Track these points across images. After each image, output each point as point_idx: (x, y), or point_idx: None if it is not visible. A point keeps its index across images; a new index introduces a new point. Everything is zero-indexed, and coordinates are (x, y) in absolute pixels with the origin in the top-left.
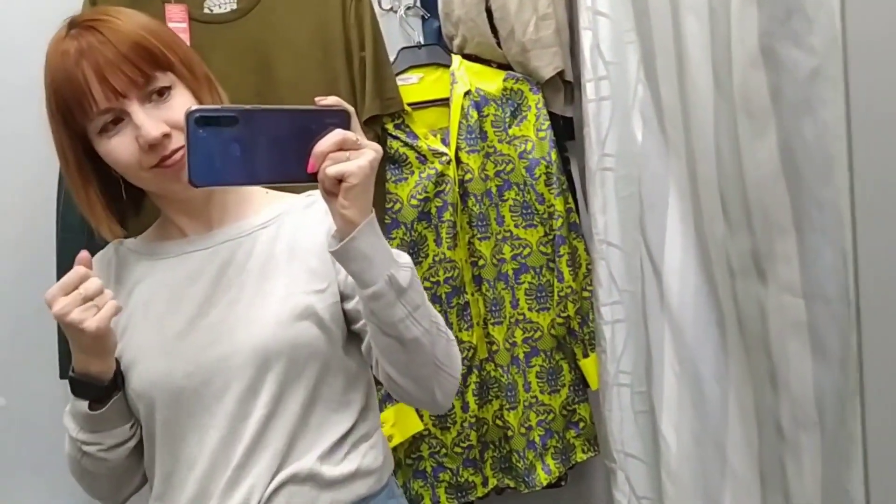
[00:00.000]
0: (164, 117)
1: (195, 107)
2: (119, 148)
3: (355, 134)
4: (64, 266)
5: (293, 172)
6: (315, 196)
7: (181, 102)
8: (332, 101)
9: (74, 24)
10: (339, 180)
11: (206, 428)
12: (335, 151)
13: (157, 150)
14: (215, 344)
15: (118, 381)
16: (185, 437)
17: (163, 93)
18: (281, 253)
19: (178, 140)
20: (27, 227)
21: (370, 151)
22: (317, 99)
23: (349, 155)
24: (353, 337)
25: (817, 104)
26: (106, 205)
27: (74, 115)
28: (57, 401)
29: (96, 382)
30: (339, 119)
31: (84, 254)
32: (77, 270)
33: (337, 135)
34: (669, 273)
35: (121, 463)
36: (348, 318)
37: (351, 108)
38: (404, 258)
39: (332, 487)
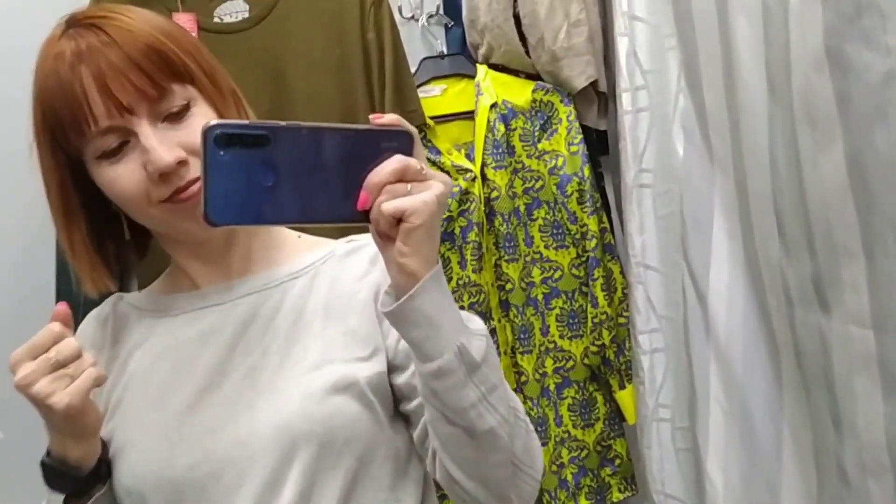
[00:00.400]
0: (179, 140)
1: (215, 121)
2: (123, 178)
3: (419, 162)
4: (62, 298)
5: (338, 209)
6: (359, 241)
7: (202, 123)
8: (390, 120)
9: (73, 22)
10: (398, 220)
11: None
12: (393, 183)
13: (170, 180)
14: (228, 425)
15: (103, 470)
16: None
17: (179, 110)
18: (314, 310)
19: (197, 169)
20: (26, 254)
21: (438, 184)
22: (372, 117)
23: (411, 188)
24: (401, 417)
25: (892, 111)
26: (94, 251)
27: (67, 133)
28: None
29: (74, 472)
30: (399, 142)
31: (61, 307)
32: (50, 329)
33: (396, 162)
34: (715, 298)
35: None
36: (398, 396)
37: (414, 130)
38: (476, 323)
39: None
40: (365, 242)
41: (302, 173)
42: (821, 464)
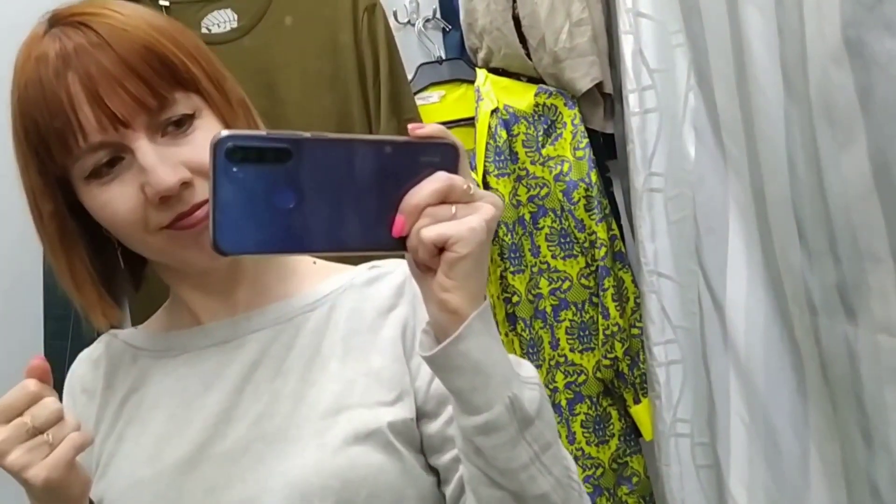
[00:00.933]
0: (183, 157)
1: (226, 132)
2: (117, 201)
3: (465, 180)
4: (50, 326)
5: (370, 236)
6: (382, 267)
7: (207, 137)
8: (432, 131)
9: (57, 19)
10: (440, 248)
11: None
12: (435, 205)
13: (172, 204)
14: (233, 482)
15: None
16: None
17: (182, 122)
18: (331, 348)
19: (203, 191)
20: (15, 269)
21: (487, 206)
22: (411, 127)
23: (455, 210)
24: (431, 470)
25: None
26: (98, 279)
27: (52, 150)
28: None
29: None
30: (442, 157)
31: (37, 361)
32: (25, 388)
33: (439, 180)
34: (733, 307)
35: None
36: (427, 447)
37: (459, 143)
38: (527, 369)
39: None
40: (388, 270)
41: (328, 194)
42: (850, 481)
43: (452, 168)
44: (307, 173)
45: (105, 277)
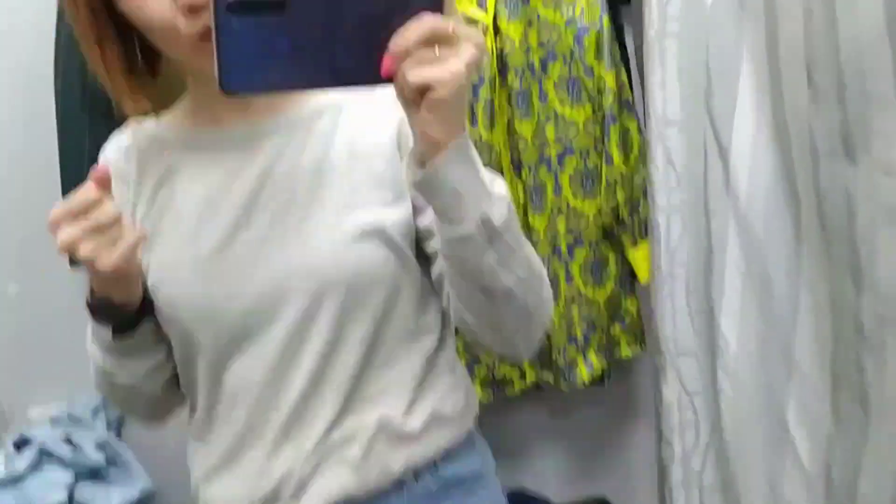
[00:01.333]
0: None
1: None
2: (150, 4)
3: (450, 20)
4: (66, 148)
5: (361, 74)
6: None
7: None
8: None
9: None
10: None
11: (253, 358)
12: (420, 47)
13: (201, 15)
14: (261, 262)
15: (147, 307)
16: (228, 370)
17: None
18: (339, 153)
19: None
20: (26, 101)
21: (469, 48)
22: None
23: (440, 52)
24: (422, 260)
25: None
26: (127, 68)
27: None
28: (76, 284)
29: (119, 312)
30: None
31: (102, 169)
32: (88, 192)
33: (423, 24)
34: (738, 154)
35: (158, 394)
36: (419, 235)
37: None
38: (499, 186)
39: (407, 441)
40: None
41: (322, 37)
42: (836, 316)
43: (438, 7)
44: (302, 19)
45: (132, 66)
